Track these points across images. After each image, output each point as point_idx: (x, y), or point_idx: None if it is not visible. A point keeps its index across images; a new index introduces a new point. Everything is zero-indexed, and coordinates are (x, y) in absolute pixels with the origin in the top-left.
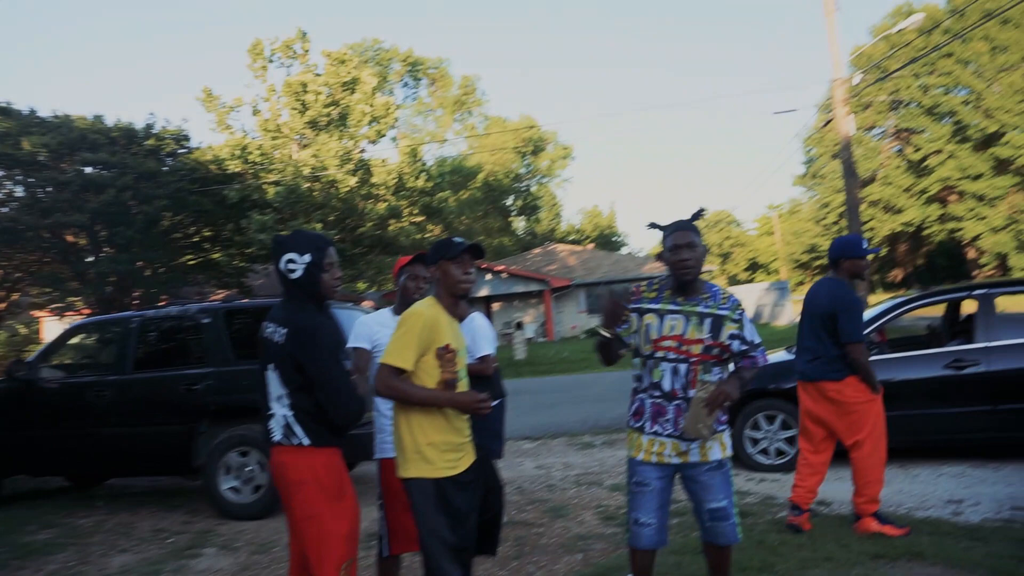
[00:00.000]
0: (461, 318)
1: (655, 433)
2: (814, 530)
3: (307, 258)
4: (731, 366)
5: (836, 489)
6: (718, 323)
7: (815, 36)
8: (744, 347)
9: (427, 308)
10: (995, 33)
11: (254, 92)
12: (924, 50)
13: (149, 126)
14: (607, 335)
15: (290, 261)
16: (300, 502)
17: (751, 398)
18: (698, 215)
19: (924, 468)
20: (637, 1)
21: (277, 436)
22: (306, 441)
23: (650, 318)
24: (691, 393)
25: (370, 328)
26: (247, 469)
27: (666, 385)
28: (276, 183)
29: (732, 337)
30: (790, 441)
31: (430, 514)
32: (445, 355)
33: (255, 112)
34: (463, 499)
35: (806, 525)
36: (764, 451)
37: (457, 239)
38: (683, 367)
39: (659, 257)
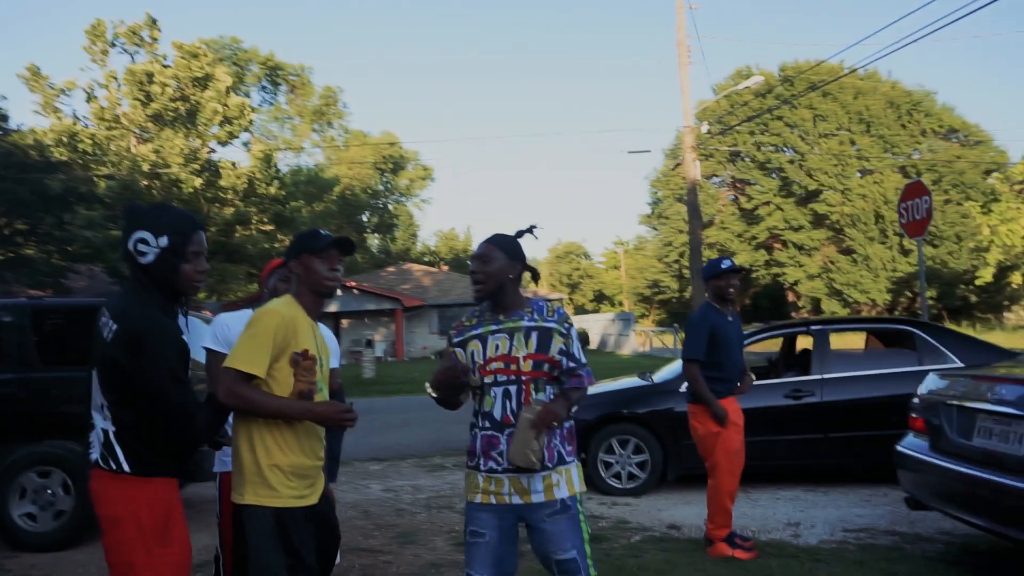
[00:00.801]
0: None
1: (490, 470)
2: (671, 555)
3: (163, 241)
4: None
5: (685, 513)
6: (546, 336)
7: (666, 86)
8: (572, 364)
9: (284, 307)
10: (818, 103)
11: (90, 76)
12: (759, 111)
13: None
14: (435, 396)
15: (141, 241)
16: (112, 543)
17: (604, 423)
18: (527, 231)
19: (763, 493)
20: (505, 31)
21: (95, 455)
22: (127, 468)
23: (474, 345)
24: None
25: (229, 329)
26: (47, 492)
27: (497, 412)
28: (109, 177)
29: (561, 353)
30: (641, 466)
31: (265, 550)
32: (302, 362)
33: (90, 98)
34: (306, 536)
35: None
36: (617, 475)
37: (323, 231)
38: (514, 388)
39: None
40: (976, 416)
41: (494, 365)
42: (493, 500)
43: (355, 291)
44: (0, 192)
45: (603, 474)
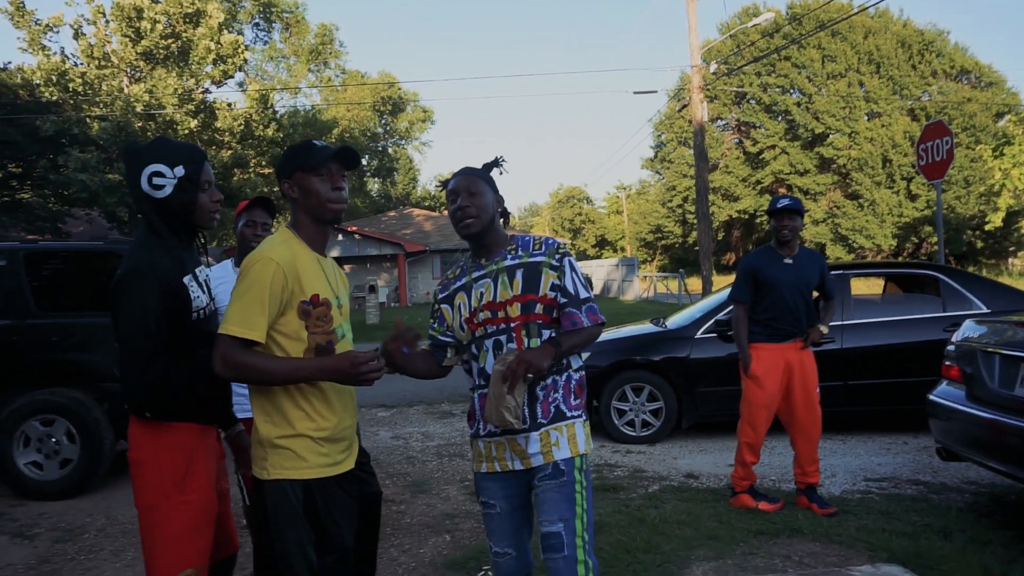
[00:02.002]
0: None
1: (489, 434)
2: (692, 506)
3: (179, 171)
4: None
5: (702, 462)
6: (533, 272)
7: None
8: (564, 300)
9: (278, 247)
10: (827, 43)
11: (77, 12)
12: (766, 51)
13: None
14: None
15: (156, 175)
16: (136, 486)
17: (617, 370)
18: (494, 164)
19: (779, 441)
20: None
21: (128, 402)
22: (148, 413)
23: (460, 298)
24: None
25: (221, 280)
26: (52, 441)
27: (489, 364)
28: (102, 118)
29: (554, 288)
30: (655, 414)
31: (291, 530)
32: (313, 310)
33: (77, 35)
34: (341, 509)
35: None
36: (630, 423)
37: (320, 143)
38: (504, 338)
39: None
40: (1021, 365)
41: (481, 315)
42: (497, 467)
43: (356, 236)
44: None
45: (616, 422)
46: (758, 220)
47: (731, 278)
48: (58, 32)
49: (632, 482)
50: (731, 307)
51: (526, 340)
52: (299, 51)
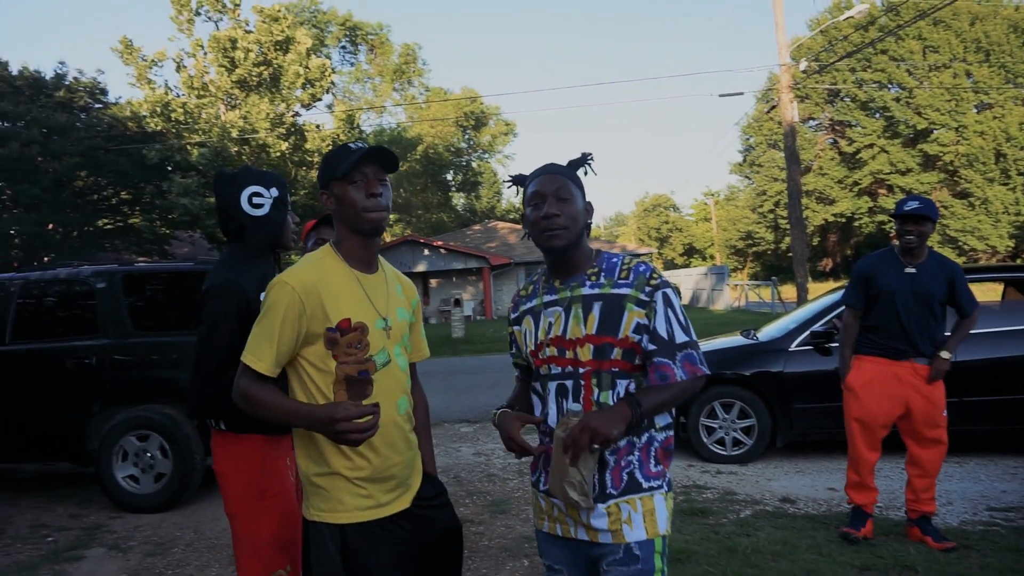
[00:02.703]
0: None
1: (548, 491)
2: (788, 534)
3: (274, 192)
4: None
5: (798, 485)
6: (614, 308)
7: (760, 23)
8: (653, 347)
9: (303, 268)
10: (927, 33)
11: (179, 46)
12: (860, 45)
13: (60, 76)
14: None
15: (255, 195)
16: (224, 497)
17: (706, 385)
18: (582, 162)
19: (886, 462)
20: None
21: (194, 413)
22: (222, 425)
23: (527, 323)
24: None
25: None
26: (147, 455)
27: (552, 417)
28: (201, 144)
29: (640, 330)
30: (747, 432)
31: (326, 571)
32: (341, 338)
33: (179, 68)
34: (388, 554)
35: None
36: (720, 441)
37: (353, 144)
38: (571, 384)
39: (523, 223)
40: None
41: (547, 351)
42: (559, 531)
43: (442, 250)
44: (105, 164)
45: (705, 440)
46: (856, 223)
47: (827, 285)
48: (162, 66)
49: (722, 506)
50: (827, 318)
51: (596, 392)
52: (384, 71)
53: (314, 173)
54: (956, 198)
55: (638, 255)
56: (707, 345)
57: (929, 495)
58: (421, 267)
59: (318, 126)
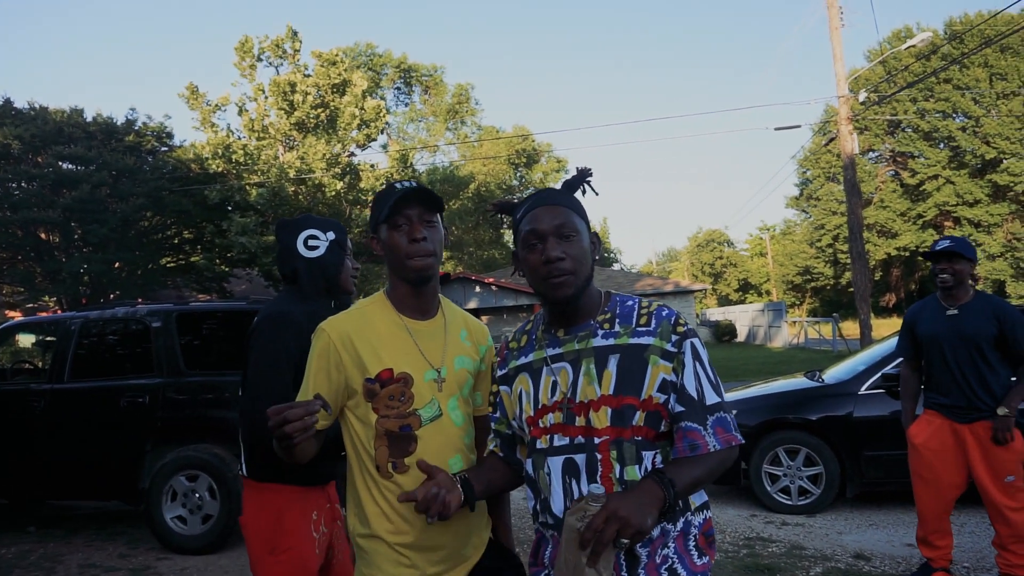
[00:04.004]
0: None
1: None
2: None
3: (331, 235)
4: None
5: (873, 539)
6: (634, 361)
7: (815, 56)
8: (681, 409)
9: (346, 315)
10: (994, 60)
11: (241, 91)
12: (922, 75)
13: (130, 121)
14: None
15: (311, 237)
16: (247, 546)
17: (768, 430)
18: (580, 181)
19: (971, 517)
20: (635, 14)
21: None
22: (245, 472)
23: (522, 382)
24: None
25: None
26: (196, 496)
27: (556, 502)
28: (260, 185)
29: (665, 387)
30: (814, 480)
31: None
32: (381, 390)
33: (241, 112)
34: None
35: None
36: (785, 490)
37: (398, 184)
38: (582, 459)
39: (515, 264)
40: None
41: (550, 419)
42: None
43: (493, 287)
44: (169, 204)
45: (768, 488)
46: (920, 258)
47: (890, 321)
48: (225, 110)
49: (790, 561)
50: (899, 360)
51: (616, 468)
52: (437, 111)
53: (367, 212)
54: None
55: (690, 290)
56: (768, 387)
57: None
58: (472, 304)
59: (372, 166)
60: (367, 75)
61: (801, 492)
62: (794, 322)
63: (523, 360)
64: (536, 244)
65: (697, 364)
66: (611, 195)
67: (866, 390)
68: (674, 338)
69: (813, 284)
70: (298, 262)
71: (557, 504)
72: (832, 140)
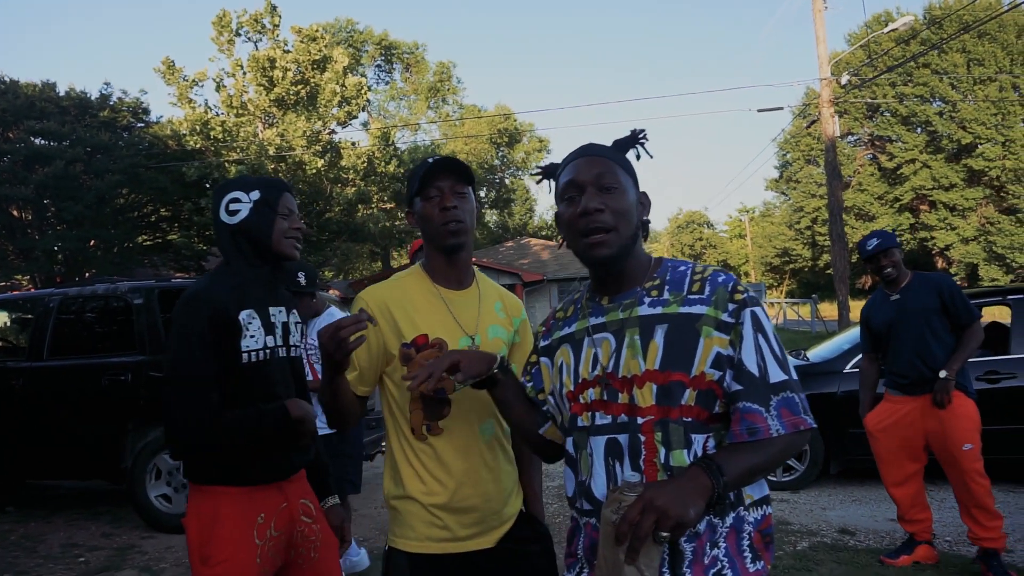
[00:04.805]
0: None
1: None
2: (851, 570)
3: (255, 195)
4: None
5: (856, 514)
6: (685, 333)
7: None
8: (739, 388)
9: (384, 285)
10: (972, 46)
11: (219, 66)
12: (901, 59)
13: (104, 96)
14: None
15: (233, 200)
16: None
17: None
18: (632, 141)
19: (949, 492)
20: None
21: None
22: (183, 471)
23: (563, 354)
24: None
25: None
26: (180, 474)
27: (598, 485)
28: (239, 162)
29: (720, 362)
30: (798, 457)
31: None
32: (416, 355)
33: (219, 87)
34: None
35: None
36: None
37: (430, 159)
38: (625, 440)
39: (558, 226)
40: None
41: (591, 394)
42: None
43: (475, 267)
44: (145, 181)
45: None
46: (897, 240)
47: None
48: (202, 86)
49: (777, 536)
50: None
51: (661, 452)
52: (419, 89)
53: (349, 190)
54: (1003, 214)
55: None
56: None
57: (991, 525)
58: None
59: (353, 144)
60: (348, 52)
61: (785, 468)
62: (773, 303)
63: (566, 331)
64: (574, 196)
65: (759, 336)
66: None
67: (850, 369)
68: (731, 307)
69: (792, 266)
70: (222, 231)
71: (599, 488)
72: (814, 123)
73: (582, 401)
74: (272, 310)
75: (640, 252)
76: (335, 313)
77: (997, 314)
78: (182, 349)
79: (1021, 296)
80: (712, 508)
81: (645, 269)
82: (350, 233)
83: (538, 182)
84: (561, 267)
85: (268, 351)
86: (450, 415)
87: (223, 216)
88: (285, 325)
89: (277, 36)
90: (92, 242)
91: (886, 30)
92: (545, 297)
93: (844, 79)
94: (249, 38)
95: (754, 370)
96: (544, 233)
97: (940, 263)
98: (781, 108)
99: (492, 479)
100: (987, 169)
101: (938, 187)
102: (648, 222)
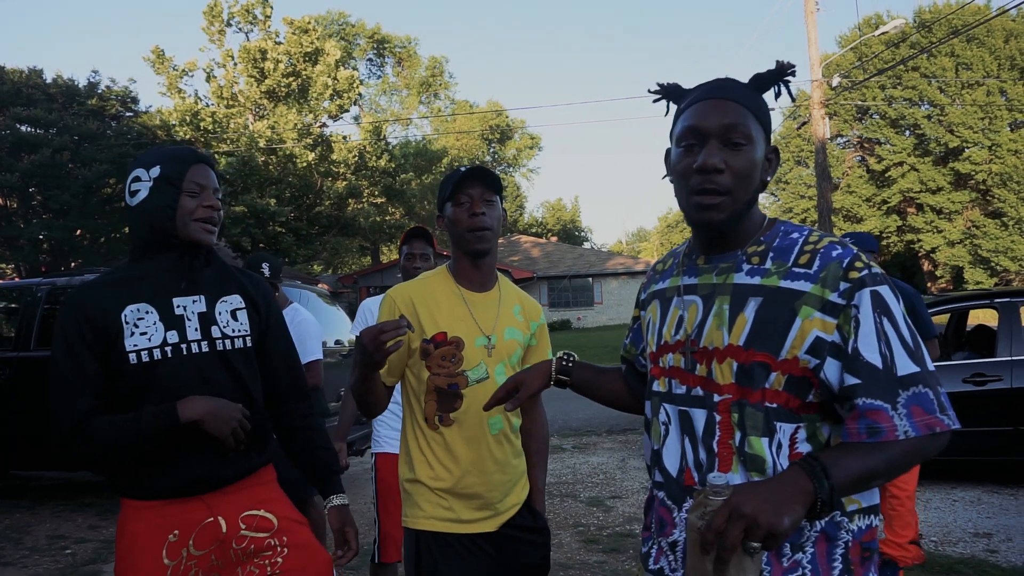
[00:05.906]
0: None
1: (659, 572)
2: None
3: (155, 171)
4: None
5: None
6: (780, 310)
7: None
8: (856, 382)
9: (411, 283)
10: (960, 50)
11: (209, 56)
12: (891, 63)
13: (92, 84)
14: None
15: (134, 180)
16: None
17: None
18: (777, 76)
19: (935, 492)
20: None
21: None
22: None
23: (652, 310)
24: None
25: (372, 316)
26: None
27: (671, 459)
28: (228, 154)
29: (818, 349)
30: None
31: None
32: (434, 351)
33: (209, 78)
34: (457, 573)
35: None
36: None
37: (463, 167)
38: (701, 416)
39: (667, 167)
40: None
41: (669, 359)
42: None
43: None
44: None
45: None
46: (884, 242)
47: None
48: (192, 76)
49: None
50: None
51: (737, 435)
52: (411, 84)
53: (340, 184)
54: (989, 217)
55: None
56: None
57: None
58: None
59: (345, 137)
60: (340, 45)
61: None
62: None
63: (659, 285)
64: (694, 145)
65: (883, 321)
66: (583, 174)
67: None
68: (843, 286)
69: None
70: (128, 216)
71: (670, 461)
72: (804, 124)
73: (661, 365)
74: (179, 301)
75: (754, 213)
76: (299, 311)
77: (983, 317)
78: (55, 353)
79: (1007, 299)
80: (815, 516)
81: (754, 231)
82: (340, 227)
83: (655, 101)
84: (551, 264)
85: (170, 348)
86: (461, 408)
87: (127, 199)
88: (204, 316)
89: (268, 27)
90: (79, 231)
91: (876, 33)
92: (534, 293)
93: (835, 81)
94: (240, 29)
95: (876, 361)
96: (534, 230)
97: (926, 265)
98: (772, 109)
99: (497, 470)
100: (974, 173)
101: (925, 190)
102: (768, 181)
